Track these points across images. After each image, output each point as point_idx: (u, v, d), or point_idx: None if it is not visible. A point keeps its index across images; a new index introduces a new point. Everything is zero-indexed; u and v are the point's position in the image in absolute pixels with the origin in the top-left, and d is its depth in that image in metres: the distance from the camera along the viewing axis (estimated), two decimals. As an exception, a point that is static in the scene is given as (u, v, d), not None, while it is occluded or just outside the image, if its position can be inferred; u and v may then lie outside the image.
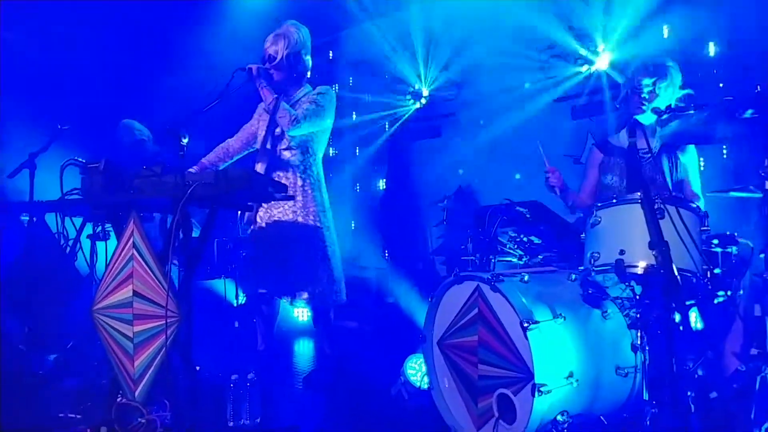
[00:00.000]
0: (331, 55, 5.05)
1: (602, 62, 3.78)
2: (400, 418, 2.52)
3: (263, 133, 2.78)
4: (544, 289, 2.15)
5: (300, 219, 2.68)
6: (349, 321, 4.02)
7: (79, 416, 2.27)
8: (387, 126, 4.89)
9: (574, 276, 2.18)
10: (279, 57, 2.71)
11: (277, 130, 2.71)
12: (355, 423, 2.44)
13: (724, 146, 3.10)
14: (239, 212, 2.87)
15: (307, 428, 2.39)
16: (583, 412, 2.01)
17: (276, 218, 2.70)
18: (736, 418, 1.96)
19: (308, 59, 2.80)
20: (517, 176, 4.04)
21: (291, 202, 2.67)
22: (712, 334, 2.25)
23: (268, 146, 2.71)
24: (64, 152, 2.79)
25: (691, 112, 2.30)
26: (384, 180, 4.91)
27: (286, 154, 2.72)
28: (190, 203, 2.10)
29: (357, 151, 5.10)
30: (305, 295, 2.67)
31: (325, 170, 2.88)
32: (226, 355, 3.13)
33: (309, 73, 2.83)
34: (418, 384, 2.66)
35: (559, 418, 1.95)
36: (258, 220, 2.74)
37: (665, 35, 3.42)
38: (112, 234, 2.56)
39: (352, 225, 4.88)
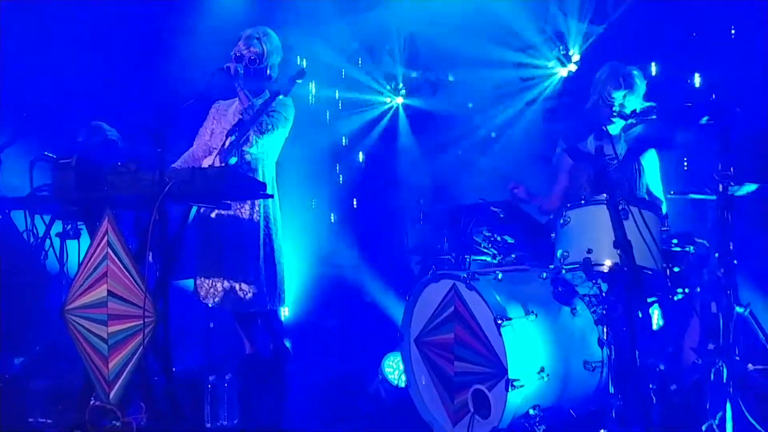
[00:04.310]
0: (304, 55, 5.03)
1: (573, 66, 3.91)
2: (378, 416, 2.56)
3: (221, 131, 2.75)
4: (517, 287, 2.23)
5: (253, 219, 2.68)
6: (327, 320, 4.03)
7: (49, 420, 2.21)
8: (363, 124, 4.91)
9: (545, 274, 2.27)
10: (263, 59, 2.70)
11: (248, 133, 2.67)
12: (334, 421, 2.47)
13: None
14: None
15: (285, 427, 2.40)
16: (554, 405, 2.10)
17: (229, 214, 2.68)
18: (694, 408, 2.10)
19: (277, 67, 2.81)
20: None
21: (247, 205, 2.67)
22: (672, 330, 2.38)
23: (228, 146, 2.67)
24: (32, 148, 2.70)
25: (653, 117, 2.42)
26: (361, 179, 4.93)
27: (247, 158, 2.72)
28: (167, 200, 2.08)
29: (333, 148, 5.10)
30: (248, 291, 2.63)
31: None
32: (202, 356, 3.10)
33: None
34: (395, 382, 2.71)
35: (531, 411, 2.03)
36: (211, 214, 2.72)
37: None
38: (84, 232, 2.50)
39: (331, 221, 4.88)
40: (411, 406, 2.34)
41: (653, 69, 3.38)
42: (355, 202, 4.84)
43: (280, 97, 2.68)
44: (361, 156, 4.95)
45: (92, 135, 3.16)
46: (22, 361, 2.65)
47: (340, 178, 4.97)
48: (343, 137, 5.01)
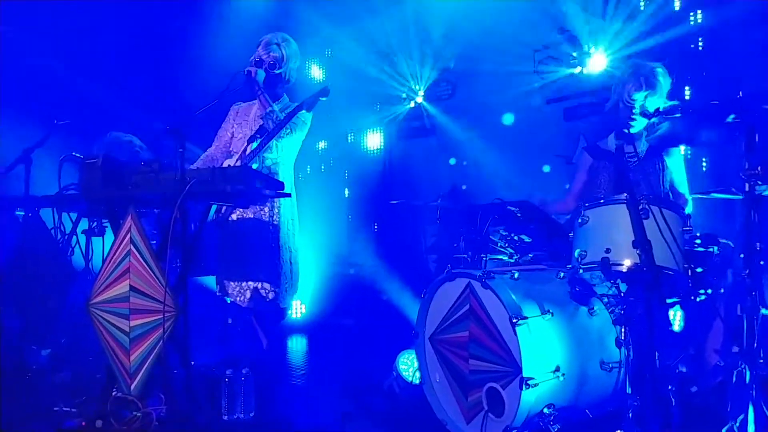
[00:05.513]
0: (327, 52, 5.08)
1: (594, 64, 3.85)
2: (392, 412, 2.57)
3: (242, 136, 2.81)
4: (533, 286, 2.21)
5: (273, 221, 2.75)
6: (344, 318, 4.06)
7: (74, 410, 2.29)
8: (381, 124, 4.93)
9: (562, 274, 2.24)
10: (282, 64, 2.75)
11: (270, 143, 2.72)
12: (348, 416, 2.48)
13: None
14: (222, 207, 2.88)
15: (300, 422, 2.43)
16: (569, 405, 2.07)
17: (250, 217, 2.74)
18: (714, 410, 2.04)
19: (295, 72, 2.85)
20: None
21: (266, 208, 2.72)
22: (694, 332, 2.32)
23: (249, 151, 2.74)
24: (60, 148, 2.80)
25: (678, 115, 2.36)
26: (379, 178, 4.94)
27: (267, 162, 2.77)
28: (188, 199, 2.13)
29: (350, 150, 5.13)
30: (269, 290, 2.70)
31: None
32: (220, 350, 3.16)
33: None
34: (409, 379, 2.71)
35: (545, 410, 2.01)
36: (232, 216, 2.78)
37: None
38: (108, 229, 2.58)
39: (347, 223, 4.91)
40: (425, 403, 2.34)
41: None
42: (372, 202, 4.86)
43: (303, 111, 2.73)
44: (379, 155, 4.97)
45: (113, 149, 3.17)
46: (49, 352, 2.75)
47: (349, 175, 4.99)
48: (362, 136, 5.04)
